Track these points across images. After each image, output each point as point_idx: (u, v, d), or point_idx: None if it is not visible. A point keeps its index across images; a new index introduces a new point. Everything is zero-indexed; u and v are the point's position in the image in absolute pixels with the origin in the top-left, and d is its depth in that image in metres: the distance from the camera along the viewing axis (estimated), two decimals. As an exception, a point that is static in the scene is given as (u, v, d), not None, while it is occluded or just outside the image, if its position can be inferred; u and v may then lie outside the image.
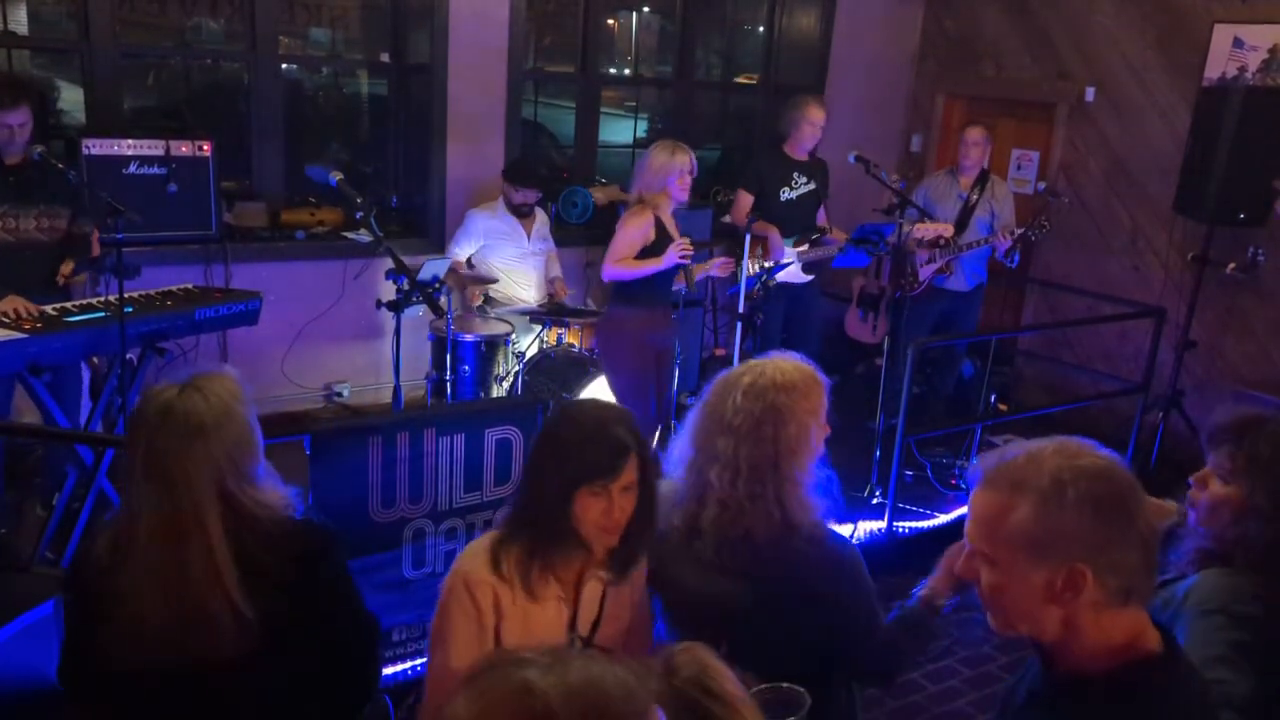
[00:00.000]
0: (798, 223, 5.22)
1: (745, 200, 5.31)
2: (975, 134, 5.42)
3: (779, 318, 5.29)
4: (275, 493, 1.86)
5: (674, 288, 4.42)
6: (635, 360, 4.33)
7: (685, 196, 4.25)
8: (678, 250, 4.14)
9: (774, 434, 1.94)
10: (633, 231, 4.16)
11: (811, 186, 5.26)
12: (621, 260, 4.17)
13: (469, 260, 5.15)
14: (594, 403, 2.44)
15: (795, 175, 5.25)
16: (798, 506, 1.97)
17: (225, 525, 1.74)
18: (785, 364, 2.03)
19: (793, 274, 5.18)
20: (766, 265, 5.08)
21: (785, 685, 1.54)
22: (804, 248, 5.15)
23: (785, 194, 5.25)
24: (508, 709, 0.97)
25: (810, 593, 1.97)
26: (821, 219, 5.36)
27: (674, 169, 4.12)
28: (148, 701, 1.78)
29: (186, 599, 1.72)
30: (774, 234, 5.10)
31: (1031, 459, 1.37)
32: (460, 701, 0.99)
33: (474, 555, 1.95)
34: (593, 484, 1.83)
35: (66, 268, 3.88)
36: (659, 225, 4.19)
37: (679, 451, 2.09)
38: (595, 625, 1.98)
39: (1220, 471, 1.93)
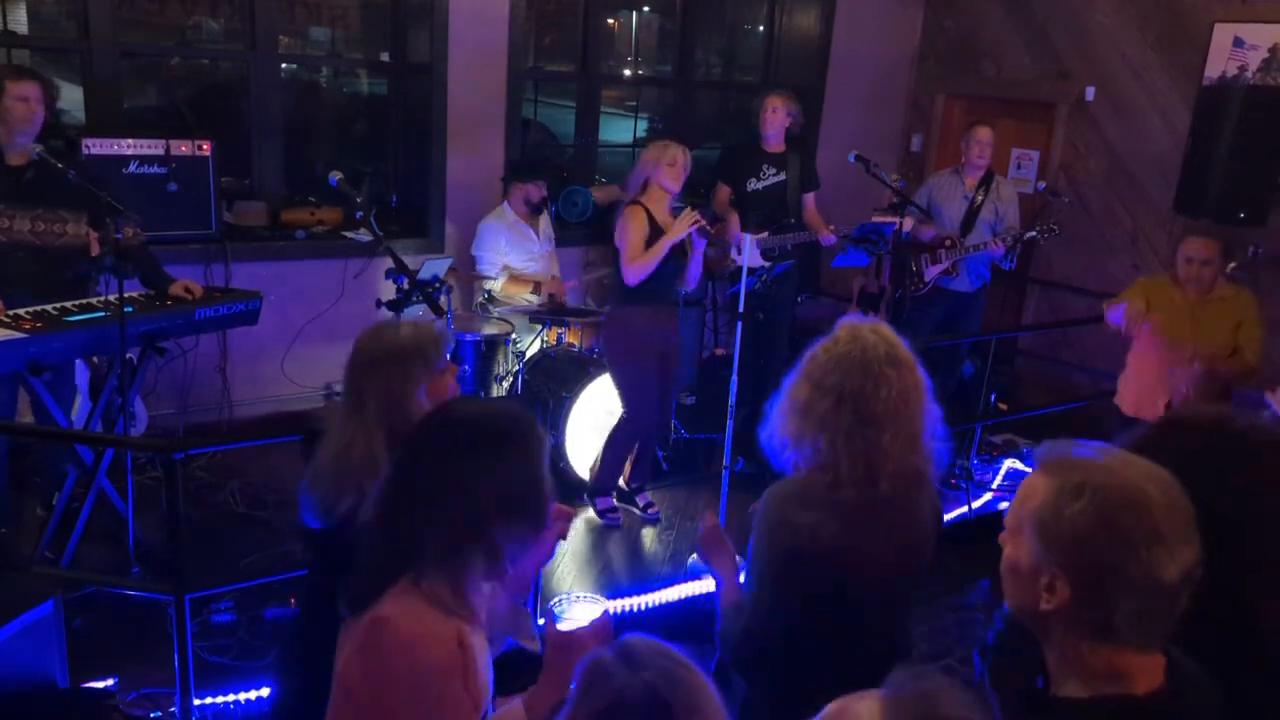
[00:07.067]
0: (764, 212, 5.24)
1: (722, 191, 5.40)
2: (985, 134, 5.39)
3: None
4: None
5: (681, 285, 4.43)
6: (640, 359, 4.33)
7: (676, 187, 4.27)
8: (690, 218, 4.15)
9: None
10: (633, 232, 4.20)
11: (781, 178, 5.28)
12: (637, 259, 4.17)
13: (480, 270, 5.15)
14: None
15: (764, 167, 5.29)
16: None
17: None
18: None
19: (753, 259, 5.18)
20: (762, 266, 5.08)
21: None
22: (763, 234, 5.15)
23: (752, 184, 5.30)
24: None
25: None
26: (809, 205, 5.36)
27: (660, 161, 4.19)
28: None
29: None
30: (733, 219, 5.17)
31: (1091, 456, 1.36)
32: None
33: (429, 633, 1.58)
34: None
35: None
36: (652, 220, 4.21)
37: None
38: None
39: None
